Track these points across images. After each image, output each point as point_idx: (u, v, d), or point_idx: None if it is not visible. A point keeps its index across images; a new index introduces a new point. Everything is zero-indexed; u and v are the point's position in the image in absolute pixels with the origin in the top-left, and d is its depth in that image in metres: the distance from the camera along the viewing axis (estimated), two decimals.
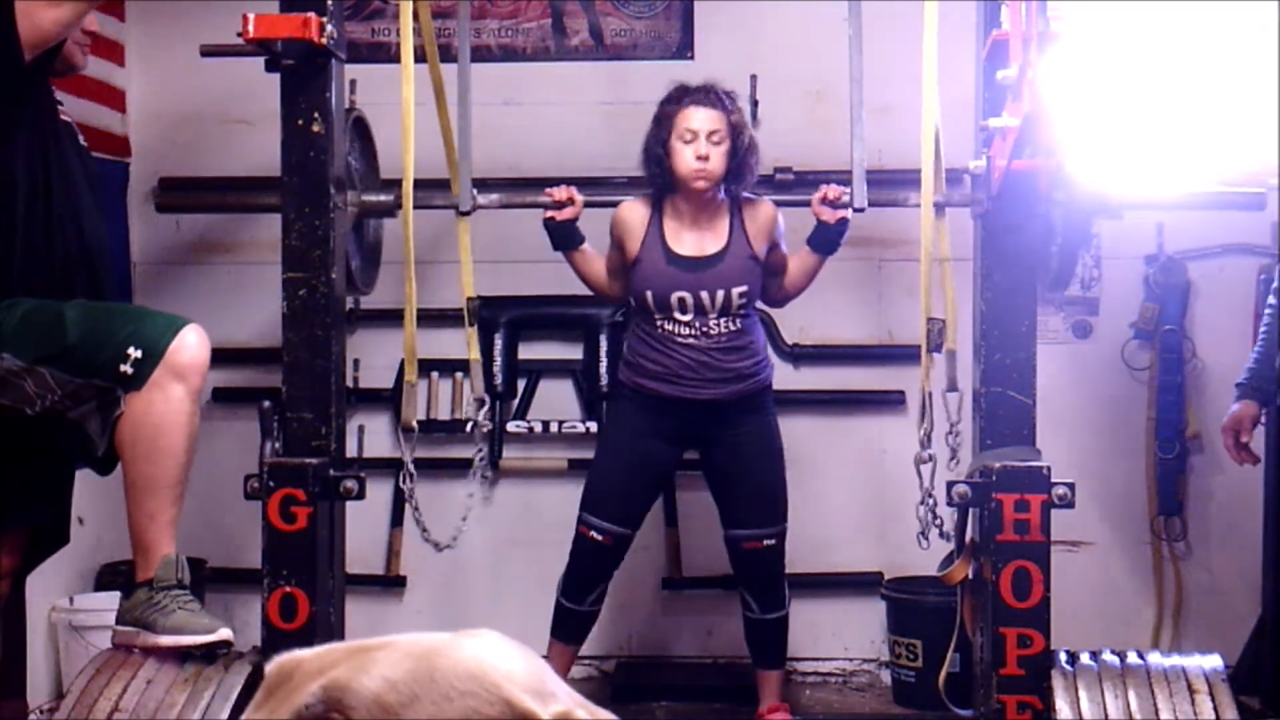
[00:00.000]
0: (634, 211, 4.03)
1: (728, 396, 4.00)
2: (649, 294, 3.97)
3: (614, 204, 4.10)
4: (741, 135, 3.93)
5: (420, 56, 3.74)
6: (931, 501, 3.54)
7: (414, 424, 3.67)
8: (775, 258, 4.06)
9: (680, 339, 3.97)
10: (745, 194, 4.01)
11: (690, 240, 3.98)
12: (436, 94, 3.78)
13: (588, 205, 3.98)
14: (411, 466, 3.66)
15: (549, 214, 3.94)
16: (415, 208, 3.63)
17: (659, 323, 3.99)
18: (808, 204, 3.92)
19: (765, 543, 4.08)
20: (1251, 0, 3.90)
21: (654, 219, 4.01)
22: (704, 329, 3.96)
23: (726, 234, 3.98)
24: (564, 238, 4.00)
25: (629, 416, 4.10)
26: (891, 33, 3.72)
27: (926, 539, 3.60)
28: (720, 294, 3.94)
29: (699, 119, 3.89)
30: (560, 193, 3.92)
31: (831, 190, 3.85)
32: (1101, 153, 3.10)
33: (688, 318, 3.96)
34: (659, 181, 3.98)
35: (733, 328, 3.98)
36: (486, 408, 3.84)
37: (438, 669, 1.20)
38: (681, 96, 3.94)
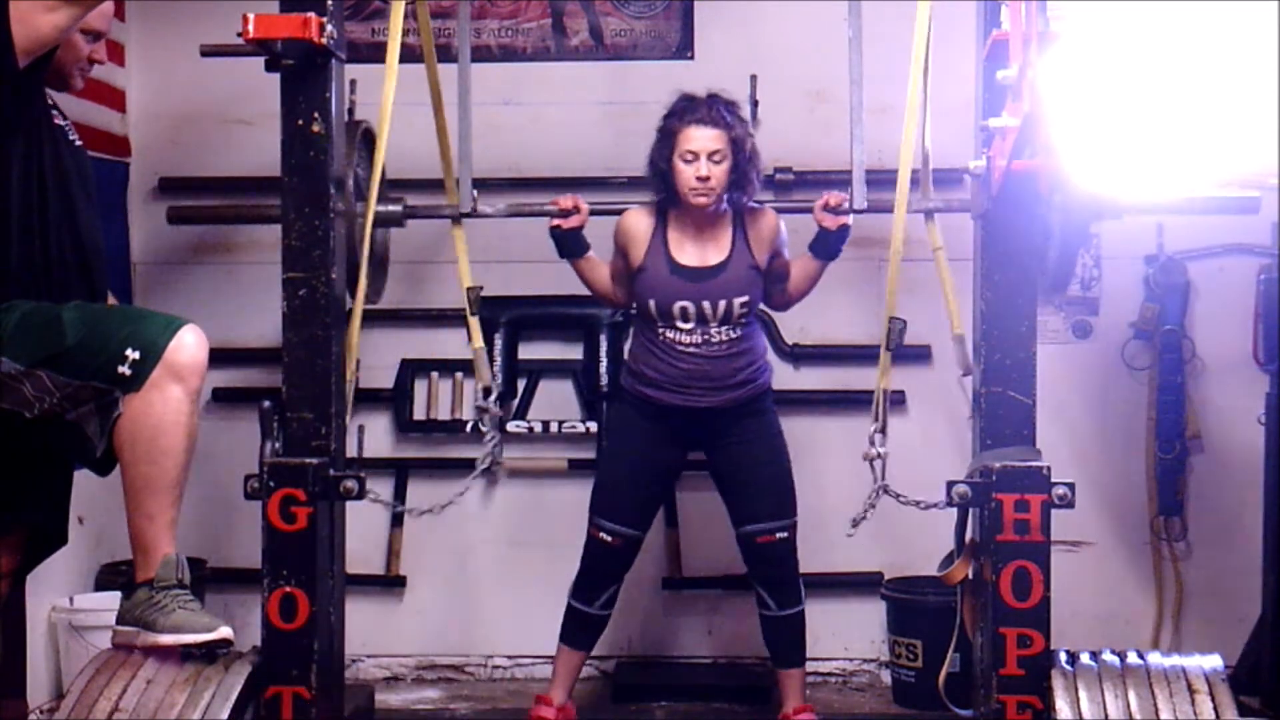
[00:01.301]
0: (638, 220, 4.08)
1: (727, 403, 4.06)
2: (652, 302, 4.02)
3: (619, 210, 4.14)
4: (743, 149, 3.98)
5: (420, 57, 3.74)
6: (875, 497, 3.63)
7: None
8: (778, 265, 4.10)
9: (681, 347, 4.02)
10: (749, 203, 4.05)
11: (693, 250, 4.04)
12: (434, 95, 3.78)
13: (594, 213, 4.05)
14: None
15: (554, 222, 4.01)
16: (416, 217, 3.72)
17: (661, 331, 4.04)
18: (807, 209, 3.95)
19: (778, 535, 4.11)
20: (1251, 0, 3.90)
21: (658, 228, 4.06)
22: (705, 337, 4.02)
23: (729, 244, 4.03)
24: (570, 246, 4.08)
25: (633, 421, 4.15)
26: (891, 33, 3.72)
27: (855, 527, 3.68)
28: (722, 304, 3.99)
29: (700, 140, 3.94)
30: (566, 201, 4.00)
31: (833, 197, 3.91)
32: (1101, 153, 3.10)
33: (689, 326, 4.01)
34: (663, 194, 4.04)
35: (734, 335, 4.03)
36: (494, 396, 3.89)
37: None
38: (684, 113, 3.99)
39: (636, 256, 4.06)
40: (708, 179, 3.93)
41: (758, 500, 4.12)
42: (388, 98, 3.48)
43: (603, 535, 4.11)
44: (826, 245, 4.01)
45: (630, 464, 4.14)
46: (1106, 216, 3.56)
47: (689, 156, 3.94)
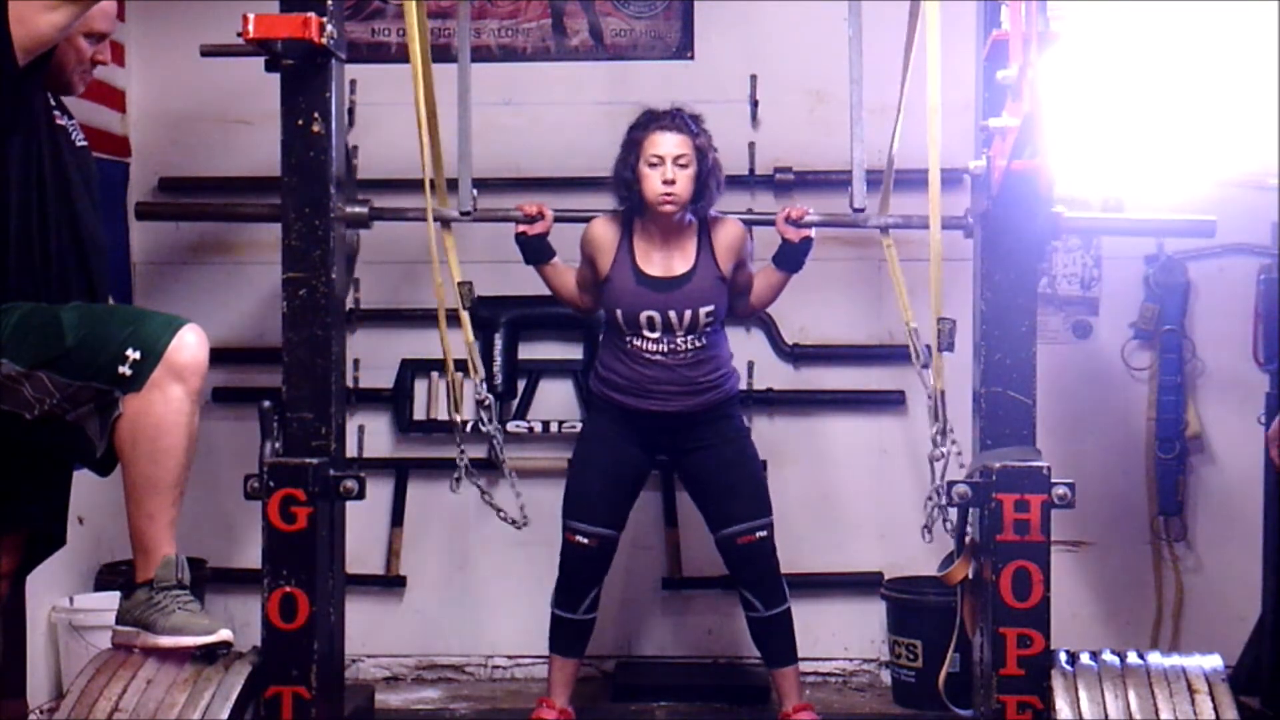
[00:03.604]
0: (605, 230, 4.13)
1: (694, 408, 4.10)
2: (619, 312, 4.07)
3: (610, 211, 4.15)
4: (706, 157, 4.04)
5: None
6: (942, 498, 3.51)
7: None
8: (742, 276, 4.16)
9: (648, 354, 4.07)
10: (713, 213, 4.11)
11: (659, 260, 4.08)
12: (428, 95, 3.77)
13: (594, 214, 4.06)
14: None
15: (520, 228, 4.06)
16: (383, 219, 3.74)
17: (628, 338, 4.08)
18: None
19: (758, 535, 4.12)
20: (1251, 0, 3.90)
21: (624, 239, 4.11)
22: (671, 345, 4.06)
23: (694, 254, 4.08)
24: (535, 251, 4.13)
25: (603, 424, 4.19)
26: (891, 33, 3.72)
27: (930, 533, 3.59)
28: (688, 313, 4.03)
29: (666, 144, 3.99)
30: (531, 208, 4.05)
31: (794, 210, 4.00)
32: (1099, 153, 3.10)
33: (656, 335, 4.06)
34: (628, 204, 4.09)
35: (699, 344, 4.08)
36: (492, 404, 3.91)
37: None
38: (649, 122, 4.04)
39: (603, 266, 4.10)
40: (674, 183, 3.97)
41: (734, 502, 4.14)
42: (419, 94, 3.47)
43: (578, 538, 4.13)
44: (791, 257, 4.09)
45: (600, 466, 4.16)
46: (1053, 237, 3.55)
47: (655, 160, 3.99)
